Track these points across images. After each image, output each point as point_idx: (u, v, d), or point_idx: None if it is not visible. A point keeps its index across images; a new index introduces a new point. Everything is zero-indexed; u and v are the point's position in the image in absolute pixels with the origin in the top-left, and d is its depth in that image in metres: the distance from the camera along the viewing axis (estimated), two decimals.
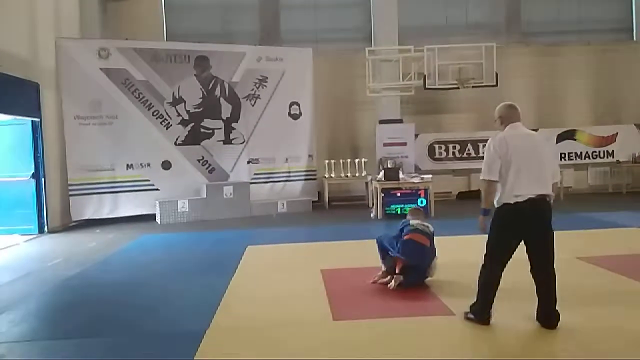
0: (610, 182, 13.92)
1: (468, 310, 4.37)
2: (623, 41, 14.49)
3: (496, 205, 4.19)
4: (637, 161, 13.81)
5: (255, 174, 12.36)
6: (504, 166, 4.09)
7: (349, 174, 12.71)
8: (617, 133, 13.98)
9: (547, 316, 4.12)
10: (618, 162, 13.84)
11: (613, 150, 13.99)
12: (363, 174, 12.59)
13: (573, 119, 14.16)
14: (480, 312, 4.26)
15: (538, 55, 14.16)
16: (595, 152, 14.05)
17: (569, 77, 14.15)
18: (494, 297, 4.23)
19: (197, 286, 5.89)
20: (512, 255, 4.16)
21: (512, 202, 4.06)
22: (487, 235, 4.25)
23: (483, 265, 4.28)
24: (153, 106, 11.34)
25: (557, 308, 4.12)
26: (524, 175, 4.04)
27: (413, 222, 5.65)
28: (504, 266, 4.18)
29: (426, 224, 5.68)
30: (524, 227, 4.08)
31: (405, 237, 5.42)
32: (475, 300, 4.32)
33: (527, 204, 4.03)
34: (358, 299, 5.15)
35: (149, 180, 11.35)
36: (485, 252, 4.27)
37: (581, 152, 14.00)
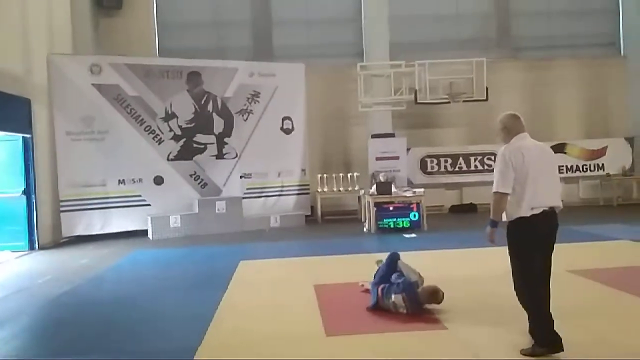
0: (601, 195, 14.01)
1: (529, 346, 3.94)
2: (611, 56, 14.69)
3: (508, 219, 4.00)
4: (627, 174, 13.94)
5: (248, 189, 12.34)
6: (520, 177, 3.89)
7: (341, 188, 12.72)
8: (607, 146, 14.11)
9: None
10: (608, 175, 13.95)
11: (603, 164, 14.10)
12: (356, 188, 12.60)
13: (563, 132, 14.28)
14: (548, 340, 3.86)
15: (528, 70, 14.33)
16: (586, 165, 14.17)
17: (558, 91, 14.31)
18: (551, 317, 3.91)
19: (189, 302, 5.86)
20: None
21: (528, 215, 3.89)
22: (507, 256, 4.06)
23: (520, 291, 4.01)
24: (145, 121, 11.34)
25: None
26: (540, 187, 3.89)
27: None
28: (545, 280, 3.96)
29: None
30: (539, 240, 3.94)
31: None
32: (532, 332, 3.96)
33: (541, 216, 3.90)
34: (351, 313, 5.13)
35: (140, 196, 11.30)
36: (514, 276, 4.04)
37: (572, 166, 14.12)
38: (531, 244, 3.93)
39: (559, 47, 14.63)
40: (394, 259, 5.51)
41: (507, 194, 3.93)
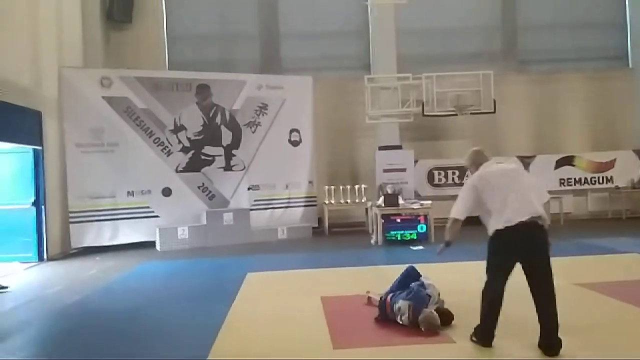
0: (609, 208, 13.93)
1: (472, 332, 4.44)
2: (619, 68, 14.68)
3: (489, 234, 4.32)
4: (636, 187, 13.86)
5: (256, 201, 12.39)
6: (489, 199, 4.25)
7: (349, 200, 12.74)
8: (615, 159, 14.04)
9: (548, 343, 4.11)
10: (617, 187, 13.88)
11: (612, 176, 14.03)
12: (363, 200, 12.62)
13: (571, 145, 14.25)
14: (482, 335, 4.33)
15: (535, 83, 14.34)
16: (594, 177, 14.10)
17: (566, 103, 14.30)
18: (495, 320, 4.26)
19: (196, 314, 5.87)
20: (509, 277, 4.24)
21: (502, 227, 4.17)
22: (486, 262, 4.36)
23: (483, 289, 4.33)
24: (154, 134, 11.44)
25: (559, 335, 4.11)
26: (511, 203, 4.17)
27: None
28: (502, 288, 4.22)
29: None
30: (517, 249, 4.17)
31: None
32: (478, 322, 4.37)
33: (517, 227, 4.12)
34: (358, 326, 5.13)
35: (149, 207, 11.38)
36: (485, 277, 4.35)
37: (580, 178, 14.05)
38: (504, 254, 4.22)
39: (566, 60, 14.64)
40: (411, 273, 5.44)
41: (460, 220, 4.42)
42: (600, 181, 14.08)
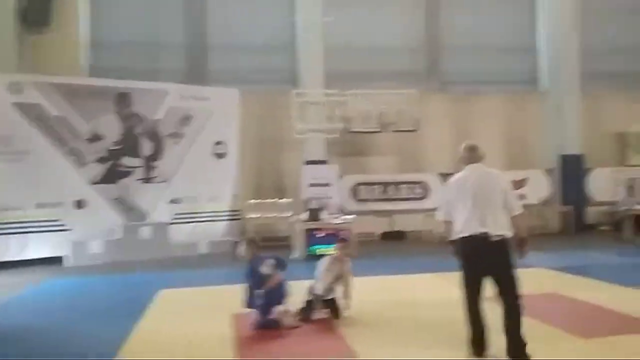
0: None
1: None
2: (531, 92, 15.55)
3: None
4: (546, 204, 14.64)
5: (177, 214, 12.02)
6: (453, 206, 4.45)
7: (274, 214, 12.63)
8: (527, 177, 14.80)
9: (508, 350, 4.25)
10: (528, 205, 14.58)
11: (524, 194, 14.75)
12: (288, 214, 12.55)
13: (488, 163, 14.58)
14: (468, 343, 4.41)
15: (455, 103, 14.91)
16: None
17: (484, 124, 14.91)
18: (478, 330, 4.36)
19: (99, 334, 5.58)
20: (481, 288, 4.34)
21: (457, 238, 4.41)
22: None
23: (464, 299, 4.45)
24: (68, 143, 10.90)
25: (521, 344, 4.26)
26: (468, 214, 4.31)
27: None
28: (477, 297, 4.34)
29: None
30: (472, 261, 4.33)
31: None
32: None
33: (468, 240, 4.30)
34: (265, 343, 5.06)
35: (60, 220, 10.78)
36: None
37: None
38: (464, 262, 4.39)
39: (484, 82, 15.32)
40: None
41: (444, 220, 4.57)
42: None
